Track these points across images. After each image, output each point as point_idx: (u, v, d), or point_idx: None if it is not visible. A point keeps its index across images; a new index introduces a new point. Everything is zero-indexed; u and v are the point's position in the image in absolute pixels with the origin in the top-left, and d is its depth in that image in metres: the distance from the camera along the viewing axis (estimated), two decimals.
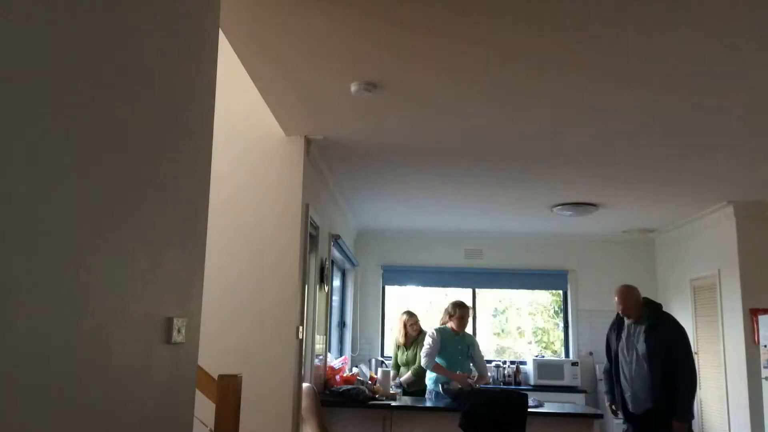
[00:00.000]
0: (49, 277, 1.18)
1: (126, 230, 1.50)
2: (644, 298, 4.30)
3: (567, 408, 4.89)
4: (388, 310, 7.59)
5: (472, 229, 7.19)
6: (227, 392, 2.52)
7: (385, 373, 5.24)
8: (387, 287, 7.59)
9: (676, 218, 6.32)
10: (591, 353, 7.20)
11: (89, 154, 1.33)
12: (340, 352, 6.76)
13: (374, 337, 7.41)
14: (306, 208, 4.06)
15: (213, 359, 3.12)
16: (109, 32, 1.41)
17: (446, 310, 5.31)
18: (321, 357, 5.01)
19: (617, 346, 4.34)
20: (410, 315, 5.97)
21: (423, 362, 5.11)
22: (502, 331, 7.82)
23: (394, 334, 6.20)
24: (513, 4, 2.43)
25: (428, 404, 4.77)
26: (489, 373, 6.07)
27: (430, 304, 7.76)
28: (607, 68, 2.96)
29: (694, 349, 5.60)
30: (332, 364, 5.47)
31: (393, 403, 4.75)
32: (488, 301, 7.74)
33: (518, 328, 7.86)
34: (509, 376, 7.04)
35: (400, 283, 7.61)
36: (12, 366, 1.07)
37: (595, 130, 3.80)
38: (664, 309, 4.35)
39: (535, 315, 7.90)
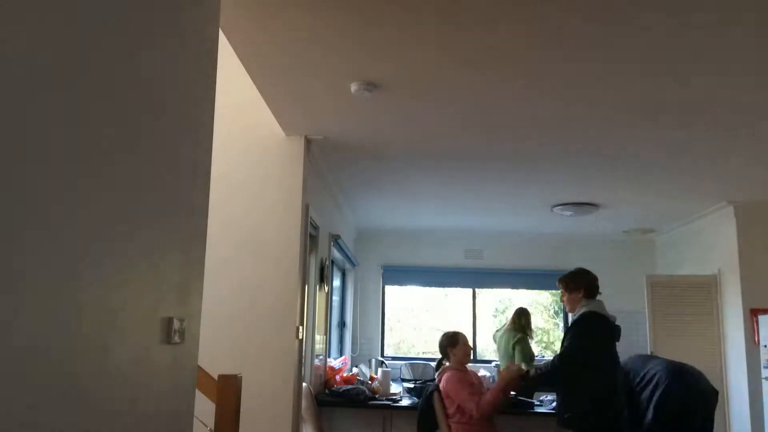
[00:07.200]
0: (48, 277, 1.18)
1: (125, 230, 1.50)
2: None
3: None
4: (388, 310, 7.59)
5: (472, 229, 7.19)
6: (227, 392, 2.52)
7: (385, 373, 5.24)
8: (387, 287, 7.59)
9: (676, 218, 6.32)
10: None
11: (88, 154, 1.33)
12: (340, 352, 6.76)
13: (374, 337, 7.40)
14: (306, 208, 4.06)
15: (213, 359, 3.12)
16: (109, 33, 1.41)
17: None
18: (321, 357, 5.01)
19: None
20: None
21: None
22: None
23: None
24: (512, 5, 2.43)
25: None
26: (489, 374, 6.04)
27: (431, 303, 7.77)
28: (608, 69, 2.96)
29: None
30: (332, 364, 5.46)
31: (393, 404, 4.75)
32: (488, 301, 7.74)
33: None
34: None
35: (400, 283, 7.61)
36: (11, 366, 1.07)
37: (595, 130, 3.80)
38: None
39: (535, 315, 7.90)
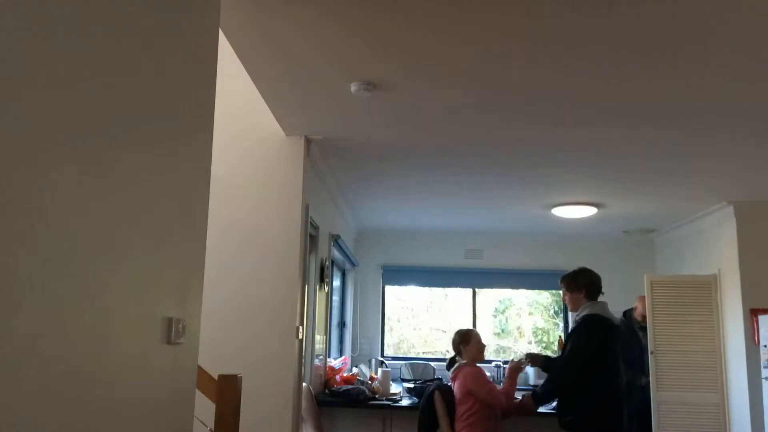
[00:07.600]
0: (49, 277, 1.18)
1: (126, 229, 1.50)
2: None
3: None
4: (388, 310, 7.59)
5: (472, 229, 7.19)
6: (227, 392, 2.52)
7: (385, 373, 5.24)
8: (387, 287, 7.59)
9: (676, 218, 6.32)
10: None
11: (88, 152, 1.33)
12: (340, 352, 6.76)
13: (374, 337, 7.40)
14: (306, 208, 4.06)
15: (213, 359, 3.12)
16: (108, 33, 1.41)
17: None
18: (321, 357, 5.01)
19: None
20: None
21: None
22: (502, 331, 7.82)
23: None
24: (511, 4, 2.43)
25: None
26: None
27: (431, 303, 7.78)
28: (607, 69, 2.96)
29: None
30: (332, 364, 5.47)
31: (393, 404, 4.75)
32: (488, 301, 7.74)
33: (518, 328, 7.86)
34: None
35: (400, 283, 7.61)
36: (11, 365, 1.07)
37: (595, 130, 3.80)
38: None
39: (534, 315, 7.90)
